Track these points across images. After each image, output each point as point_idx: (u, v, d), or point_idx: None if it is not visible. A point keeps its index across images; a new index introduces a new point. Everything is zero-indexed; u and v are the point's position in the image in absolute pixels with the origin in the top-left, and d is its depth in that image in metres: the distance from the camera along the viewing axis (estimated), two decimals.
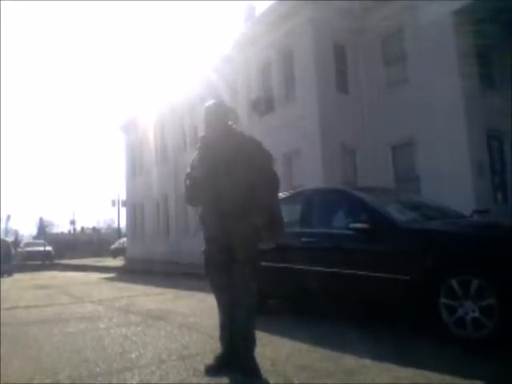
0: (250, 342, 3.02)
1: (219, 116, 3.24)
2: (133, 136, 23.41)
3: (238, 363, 2.98)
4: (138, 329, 4.78)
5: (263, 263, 3.29)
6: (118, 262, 23.09)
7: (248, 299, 3.04)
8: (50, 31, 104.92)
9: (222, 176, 3.07)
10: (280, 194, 5.10)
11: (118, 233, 37.37)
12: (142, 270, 15.15)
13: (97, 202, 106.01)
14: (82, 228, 64.32)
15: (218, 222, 3.10)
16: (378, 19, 12.14)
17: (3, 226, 49.97)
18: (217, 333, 3.24)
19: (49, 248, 27.78)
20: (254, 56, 14.35)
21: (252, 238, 3.06)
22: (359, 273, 4.24)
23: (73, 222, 47.29)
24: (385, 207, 4.67)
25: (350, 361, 3.22)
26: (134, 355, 3.64)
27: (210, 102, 3.37)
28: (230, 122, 3.29)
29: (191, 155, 3.46)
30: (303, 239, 4.93)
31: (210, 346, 3.75)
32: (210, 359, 3.19)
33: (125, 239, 27.01)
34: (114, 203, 32.80)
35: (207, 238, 3.23)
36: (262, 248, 3.15)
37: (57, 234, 59.24)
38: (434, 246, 3.87)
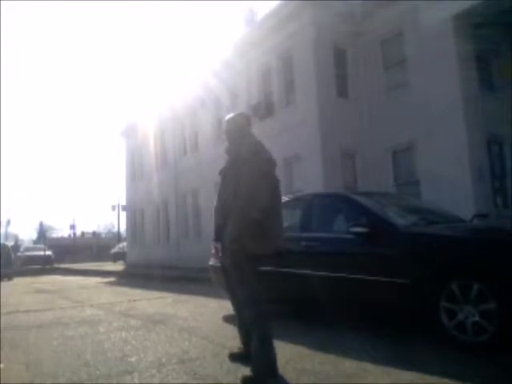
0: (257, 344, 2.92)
1: (234, 127, 3.31)
2: (133, 141, 23.46)
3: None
4: (138, 333, 4.77)
5: (264, 268, 3.28)
6: (118, 266, 23.04)
7: (241, 304, 3.12)
8: (52, 37, 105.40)
9: (229, 185, 3.13)
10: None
11: (118, 237, 37.34)
12: (142, 274, 15.13)
13: (97, 206, 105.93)
14: (82, 232, 64.12)
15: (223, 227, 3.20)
16: (378, 23, 12.18)
17: (3, 230, 50.04)
18: (217, 337, 3.26)
19: (49, 252, 27.73)
20: (254, 60, 14.40)
21: (230, 244, 3.00)
22: (359, 277, 4.24)
23: (73, 227, 47.13)
24: (385, 211, 4.68)
25: (350, 364, 3.22)
26: (133, 359, 3.64)
27: (231, 114, 3.42)
28: (245, 133, 3.28)
29: (191, 160, 3.50)
30: (303, 243, 4.93)
31: (210, 350, 3.76)
32: (209, 363, 3.20)
33: (125, 244, 26.99)
34: (114, 208, 32.75)
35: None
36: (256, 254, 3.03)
37: (57, 239, 59.02)
38: (433, 250, 3.87)
